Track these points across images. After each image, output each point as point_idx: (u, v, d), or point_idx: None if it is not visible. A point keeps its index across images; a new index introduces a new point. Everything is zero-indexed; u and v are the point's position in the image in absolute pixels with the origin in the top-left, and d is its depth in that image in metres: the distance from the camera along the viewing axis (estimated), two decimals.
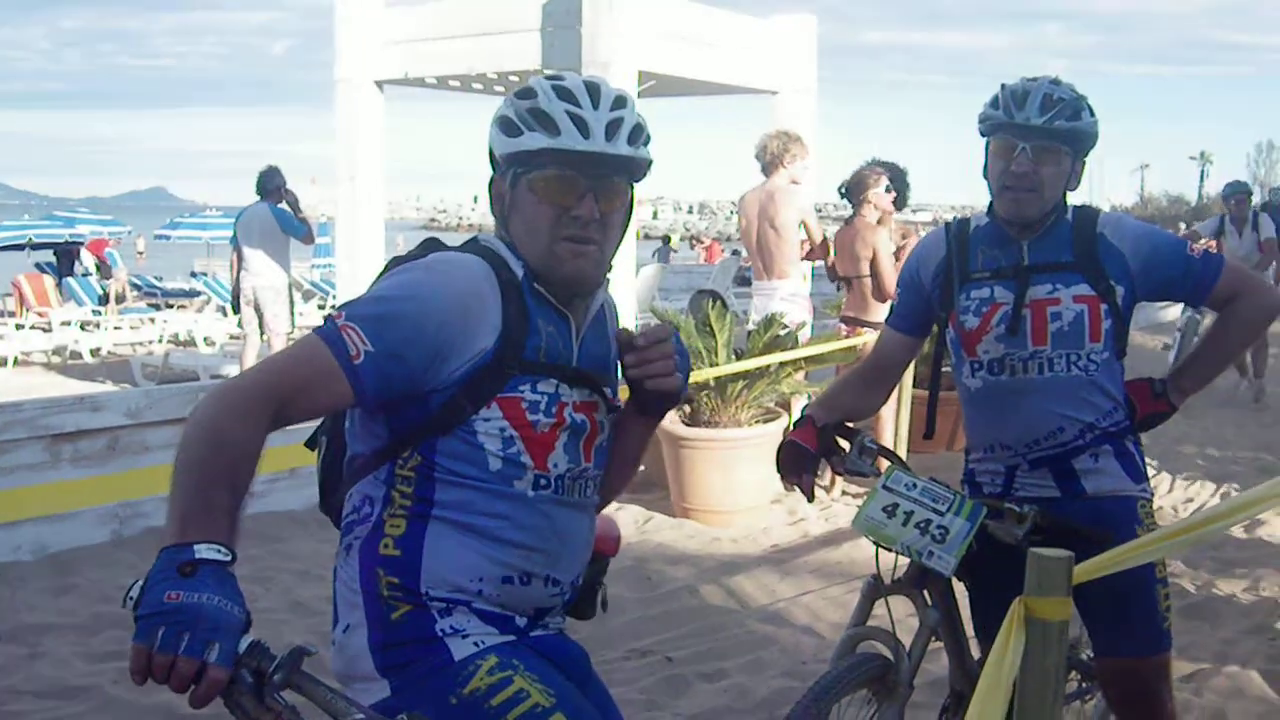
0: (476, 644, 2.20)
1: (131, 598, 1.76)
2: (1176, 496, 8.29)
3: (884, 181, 8.18)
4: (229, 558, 1.80)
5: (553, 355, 2.25)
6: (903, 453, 7.12)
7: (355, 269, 12.14)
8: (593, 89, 2.25)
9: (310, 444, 2.53)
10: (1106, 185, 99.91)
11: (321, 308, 19.74)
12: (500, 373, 2.18)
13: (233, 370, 12.25)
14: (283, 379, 2.04)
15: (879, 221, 8.16)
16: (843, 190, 8.32)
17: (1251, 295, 3.27)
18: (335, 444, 2.43)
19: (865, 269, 8.08)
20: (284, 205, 11.55)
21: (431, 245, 2.34)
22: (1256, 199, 15.04)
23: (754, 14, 11.95)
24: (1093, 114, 3.21)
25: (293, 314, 12.29)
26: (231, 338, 16.69)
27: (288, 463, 6.21)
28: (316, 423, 2.43)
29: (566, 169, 2.20)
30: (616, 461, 2.47)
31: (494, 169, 2.32)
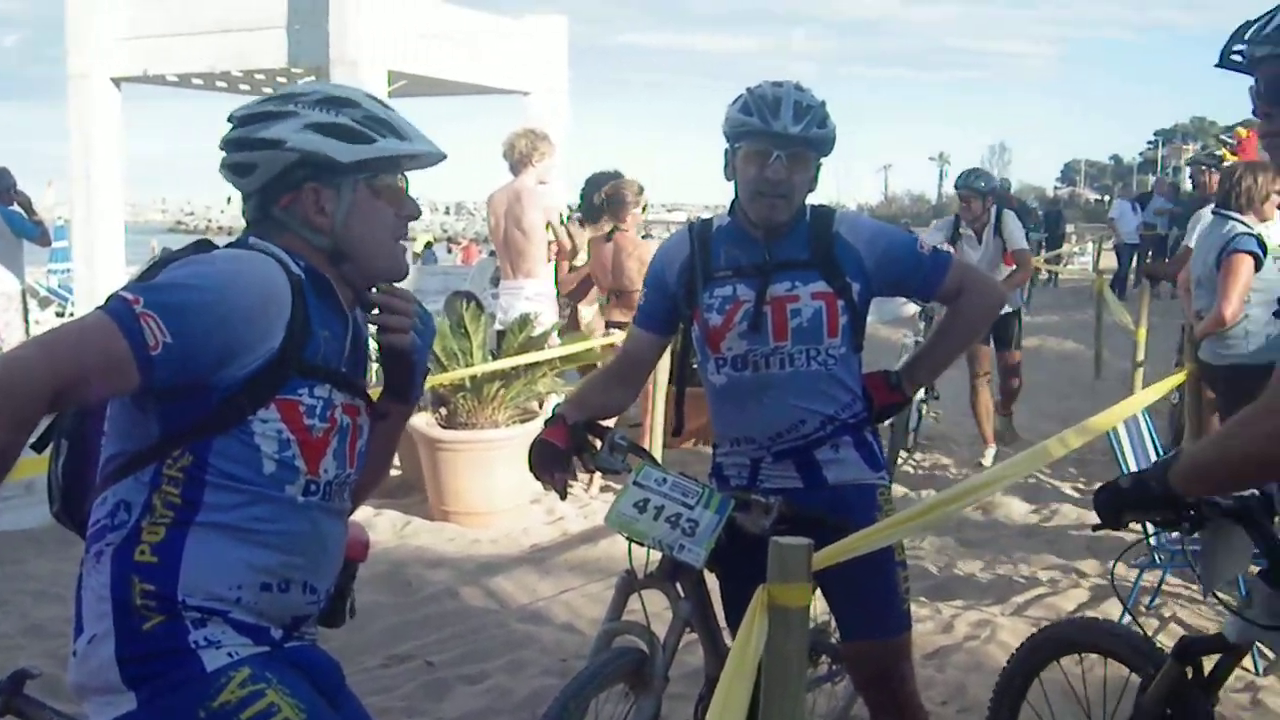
0: (230, 655, 2.14)
1: None
2: (922, 480, 8.66)
3: (643, 199, 8.33)
4: None
5: (328, 359, 2.25)
6: (658, 448, 7.25)
7: (94, 273, 11.65)
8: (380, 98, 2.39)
9: (39, 446, 2.39)
10: (853, 185, 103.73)
11: (60, 314, 18.75)
12: (282, 373, 2.16)
13: None
14: (67, 365, 1.93)
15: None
16: (601, 202, 8.40)
17: (976, 291, 3.45)
18: (77, 446, 2.33)
19: (639, 283, 8.18)
20: (15, 207, 10.95)
21: (204, 246, 2.29)
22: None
23: (506, 15, 11.95)
24: (831, 119, 3.33)
25: (27, 323, 11.67)
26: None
27: (21, 474, 5.90)
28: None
29: (400, 174, 2.36)
30: (370, 463, 2.46)
31: (306, 176, 2.27)
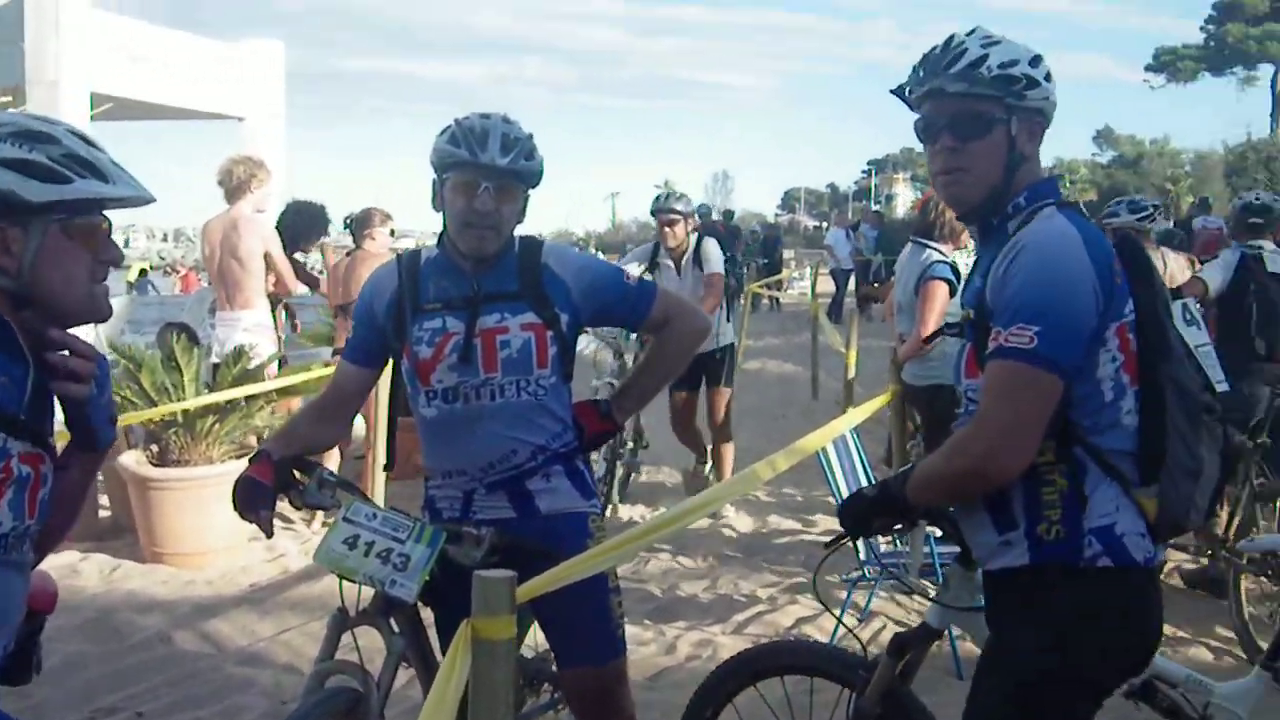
0: None
1: None
2: (640, 508, 8.80)
3: (390, 223, 8.25)
4: None
5: (5, 405, 2.13)
6: (381, 481, 7.14)
7: None
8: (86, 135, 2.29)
9: None
10: (582, 212, 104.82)
11: None
12: None
13: None
14: None
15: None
16: (348, 223, 8.27)
17: (682, 319, 3.54)
18: None
19: None
20: None
21: None
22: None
23: (221, 39, 11.62)
24: (538, 151, 3.37)
25: None
26: None
27: None
28: None
29: (101, 216, 2.26)
30: (57, 511, 2.34)
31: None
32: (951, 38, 2.67)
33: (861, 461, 5.91)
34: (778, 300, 26.99)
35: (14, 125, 2.20)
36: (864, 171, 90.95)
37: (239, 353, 7.42)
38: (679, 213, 8.13)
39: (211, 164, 8.32)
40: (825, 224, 42.35)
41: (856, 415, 5.89)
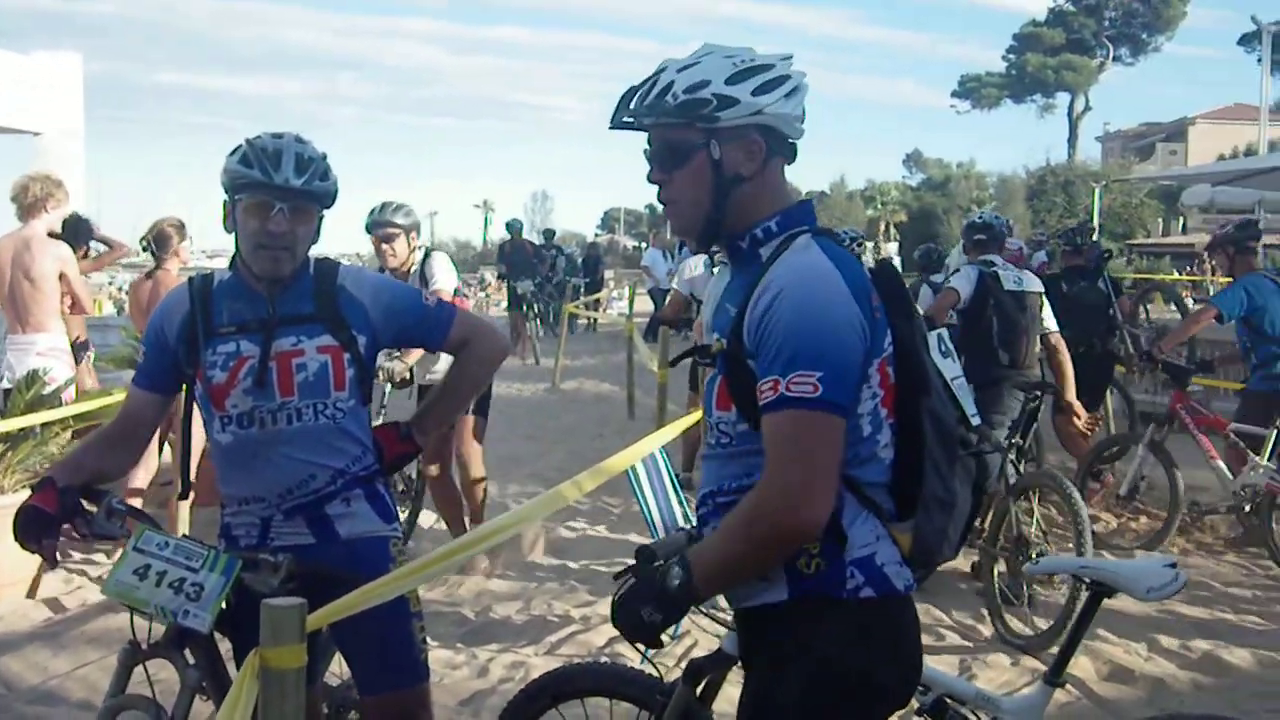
0: None
1: None
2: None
3: (187, 236, 8.00)
4: None
5: None
6: (185, 510, 6.93)
7: None
8: None
9: None
10: None
11: None
12: None
13: None
14: None
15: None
16: (145, 244, 7.99)
17: (481, 339, 3.55)
18: None
19: None
20: None
21: None
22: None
23: (15, 50, 11.19)
24: (333, 172, 3.34)
25: None
26: None
27: None
28: None
29: None
30: None
31: None
32: (660, 68, 2.56)
33: (671, 480, 5.98)
34: (595, 321, 27.05)
35: None
36: None
37: (32, 377, 7.14)
38: (399, 226, 7.12)
39: (5, 180, 8.02)
40: (644, 244, 42.68)
41: (665, 433, 5.96)
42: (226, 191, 3.30)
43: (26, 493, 6.77)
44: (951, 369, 5.22)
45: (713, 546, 2.47)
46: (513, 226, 24.35)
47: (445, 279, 7.22)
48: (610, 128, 2.61)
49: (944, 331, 5.93)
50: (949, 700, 3.37)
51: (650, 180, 2.61)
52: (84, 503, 3.22)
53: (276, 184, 3.20)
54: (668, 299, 10.00)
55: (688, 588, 2.44)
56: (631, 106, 2.55)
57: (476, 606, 6.86)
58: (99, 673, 5.75)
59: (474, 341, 3.52)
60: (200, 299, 3.33)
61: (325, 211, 3.38)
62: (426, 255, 7.34)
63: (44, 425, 7.08)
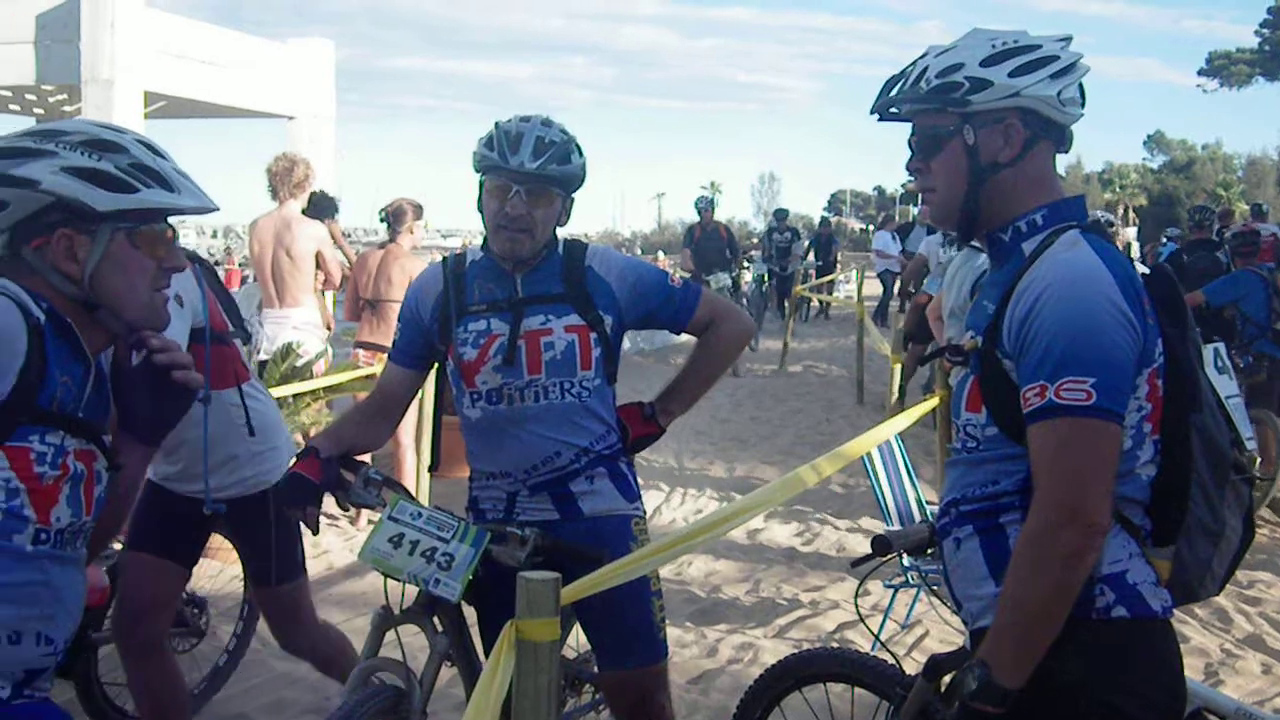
0: None
1: None
2: (687, 508, 8.80)
3: (423, 215, 8.30)
4: None
5: (64, 404, 2.17)
6: (425, 480, 7.18)
7: None
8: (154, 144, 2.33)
9: None
10: (627, 213, 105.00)
11: None
12: (10, 420, 2.07)
13: None
14: None
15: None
16: (384, 216, 8.33)
17: (727, 322, 3.55)
18: None
19: (399, 294, 8.11)
20: None
21: None
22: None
23: (272, 38, 11.70)
24: (581, 154, 3.38)
25: None
26: None
27: None
28: None
29: (166, 224, 2.32)
30: (110, 508, 2.38)
31: (59, 220, 2.19)
32: (921, 54, 2.46)
33: (906, 468, 5.88)
34: (827, 305, 26.35)
35: (84, 134, 2.23)
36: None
37: (287, 350, 7.48)
38: None
39: (261, 162, 8.39)
40: (871, 226, 42.02)
41: (902, 420, 5.86)
42: (476, 173, 3.37)
43: None
44: (1227, 386, 4.86)
45: (1001, 623, 2.24)
46: (702, 206, 17.60)
47: None
48: (871, 113, 2.55)
49: (1221, 346, 5.64)
50: (1207, 714, 3.11)
51: (908, 169, 2.53)
52: (343, 473, 3.34)
53: (512, 167, 3.25)
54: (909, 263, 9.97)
55: (988, 685, 2.22)
56: (892, 94, 2.49)
57: (705, 587, 6.89)
58: (346, 633, 6.00)
59: (719, 322, 3.52)
60: (453, 278, 3.42)
61: (574, 195, 3.41)
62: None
63: (296, 395, 7.40)
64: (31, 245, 2.21)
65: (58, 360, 2.17)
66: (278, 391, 7.23)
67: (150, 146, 2.31)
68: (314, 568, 7.17)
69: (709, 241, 16.84)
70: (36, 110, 11.85)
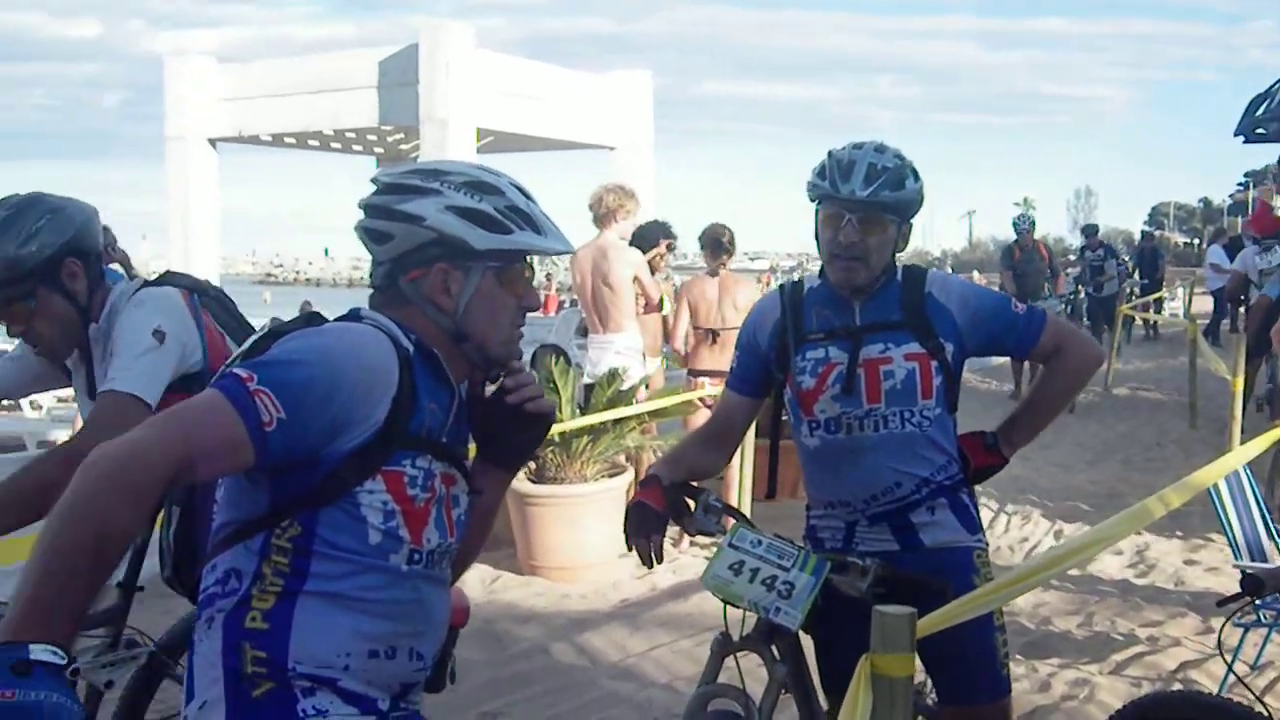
0: None
1: None
2: (1012, 535, 8.54)
3: (735, 246, 8.49)
4: (64, 661, 1.75)
5: (431, 430, 2.28)
6: (746, 505, 7.22)
7: None
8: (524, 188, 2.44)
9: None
10: (937, 231, 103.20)
11: None
12: (387, 446, 2.18)
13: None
14: (186, 446, 1.96)
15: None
16: (704, 242, 8.52)
17: (1074, 348, 3.42)
18: (188, 513, 2.38)
19: (738, 321, 8.27)
20: (115, 265, 11.17)
21: (314, 319, 2.34)
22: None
23: (592, 71, 12.08)
24: (917, 178, 3.31)
25: None
26: (60, 401, 16.08)
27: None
28: None
29: (527, 265, 2.41)
30: (470, 532, 2.49)
31: (438, 255, 2.31)
32: None
33: (1256, 499, 5.53)
34: (1155, 325, 24.79)
35: (466, 176, 2.35)
36: (1240, 184, 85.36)
37: (612, 375, 7.67)
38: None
39: (582, 191, 8.66)
40: (1197, 240, 39.79)
41: (1252, 448, 5.52)
42: (810, 201, 3.37)
43: (606, 481, 7.39)
44: None
45: None
46: (1022, 226, 15.92)
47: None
48: (1236, 134, 2.42)
49: None
50: None
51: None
52: (684, 500, 3.39)
53: (844, 195, 3.22)
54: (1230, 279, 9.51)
55: None
56: (1258, 114, 2.36)
57: (1035, 618, 6.66)
58: (670, 655, 6.11)
59: (1066, 349, 3.40)
60: (791, 305, 3.42)
61: (904, 220, 3.34)
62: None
63: (620, 420, 7.59)
64: (409, 277, 2.33)
65: (426, 388, 2.28)
66: (602, 416, 7.44)
67: (522, 190, 2.41)
68: (638, 589, 7.36)
69: (1029, 263, 15.69)
70: (376, 150, 12.63)
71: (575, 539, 7.42)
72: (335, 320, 2.34)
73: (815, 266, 3.59)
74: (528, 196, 2.40)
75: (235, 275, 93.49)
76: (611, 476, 7.64)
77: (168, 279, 3.50)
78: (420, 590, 2.29)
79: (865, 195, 3.20)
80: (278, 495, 2.17)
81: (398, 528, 2.22)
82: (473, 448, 2.53)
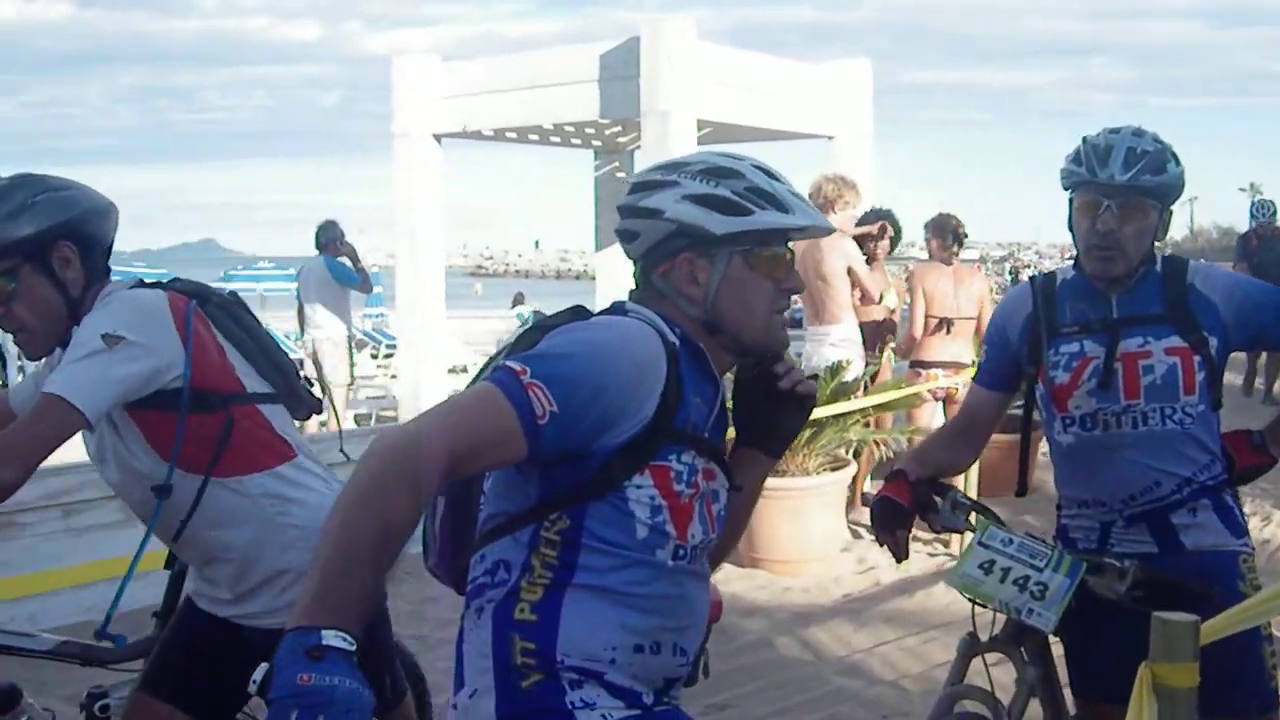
0: (604, 717, 2.17)
1: (255, 681, 1.76)
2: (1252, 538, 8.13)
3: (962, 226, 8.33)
4: (353, 647, 1.79)
5: (696, 425, 2.26)
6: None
7: (417, 319, 12.30)
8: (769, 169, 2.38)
9: None
10: None
11: (375, 357, 19.72)
12: (655, 441, 2.18)
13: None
14: (464, 438, 2.00)
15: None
16: (933, 230, 8.43)
17: None
18: (456, 504, 2.41)
19: (973, 311, 8.17)
20: (342, 258, 11.60)
21: (581, 313, 2.35)
22: None
23: (809, 60, 11.99)
24: (1178, 163, 3.18)
25: (351, 366, 12.36)
26: None
27: None
28: None
29: (784, 246, 2.35)
30: (729, 526, 2.47)
31: (682, 246, 2.31)
32: None
33: None
34: None
35: (704, 163, 2.33)
36: None
37: (835, 368, 7.59)
38: None
39: (801, 182, 8.58)
40: None
41: None
42: (1064, 190, 3.26)
43: (829, 475, 7.33)
44: None
45: None
46: (1261, 214, 14.22)
47: None
48: None
49: None
50: None
51: None
52: (932, 496, 3.32)
53: (1100, 180, 3.09)
54: None
55: None
56: None
57: None
58: (897, 652, 6.02)
59: None
60: (1043, 298, 3.31)
61: (1165, 206, 3.20)
62: None
63: (839, 415, 7.50)
64: (658, 271, 2.33)
65: (691, 382, 2.26)
66: (824, 410, 7.35)
67: (766, 171, 2.36)
68: (860, 584, 7.28)
69: (1268, 252, 14.14)
70: (594, 143, 12.77)
71: (797, 532, 7.38)
72: (600, 314, 2.34)
73: (1026, 257, 3.47)
74: (772, 176, 2.34)
75: (449, 267, 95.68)
76: (833, 470, 7.57)
77: (170, 283, 3.16)
78: (684, 585, 2.28)
79: (1125, 180, 3.08)
80: (547, 489, 2.18)
81: (664, 523, 2.21)
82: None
